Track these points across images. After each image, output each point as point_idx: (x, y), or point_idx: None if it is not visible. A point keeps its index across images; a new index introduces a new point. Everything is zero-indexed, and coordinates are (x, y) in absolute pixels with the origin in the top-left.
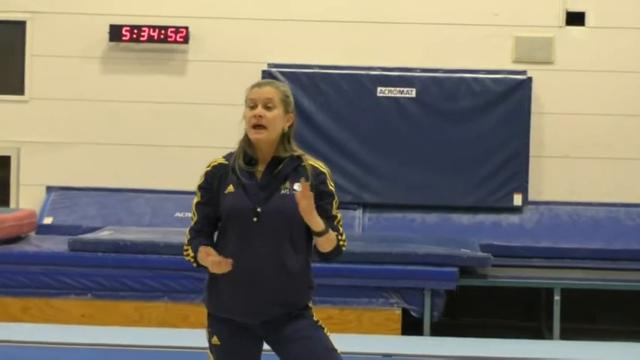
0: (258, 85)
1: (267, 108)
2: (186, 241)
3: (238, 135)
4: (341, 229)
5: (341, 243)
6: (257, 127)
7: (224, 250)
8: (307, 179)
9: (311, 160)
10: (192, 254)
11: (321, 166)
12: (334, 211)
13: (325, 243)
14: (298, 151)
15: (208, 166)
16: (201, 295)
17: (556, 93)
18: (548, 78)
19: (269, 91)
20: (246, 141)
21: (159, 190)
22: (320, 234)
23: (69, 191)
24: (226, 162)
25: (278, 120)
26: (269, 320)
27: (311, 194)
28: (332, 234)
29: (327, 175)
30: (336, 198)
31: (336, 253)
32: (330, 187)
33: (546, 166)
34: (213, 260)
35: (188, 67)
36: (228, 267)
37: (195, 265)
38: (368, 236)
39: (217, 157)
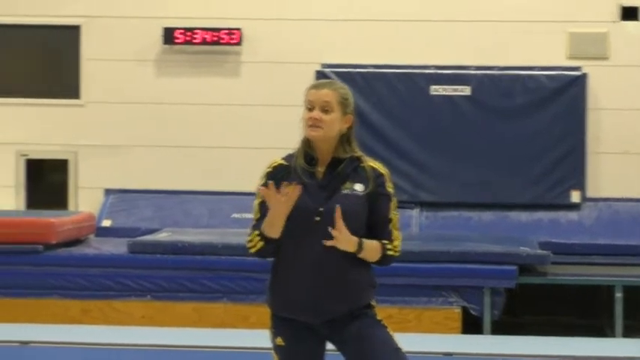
0: (315, 86)
1: (325, 111)
2: (248, 237)
3: (293, 135)
4: (395, 233)
5: (390, 252)
6: (312, 126)
7: (285, 249)
8: (367, 180)
9: (370, 162)
10: (257, 237)
11: (380, 167)
12: (391, 214)
13: (368, 257)
14: (358, 152)
15: (269, 167)
16: (260, 295)
17: (612, 89)
18: (603, 74)
19: (326, 94)
20: (306, 142)
21: (215, 192)
22: (355, 254)
23: (127, 194)
24: (286, 163)
25: (335, 122)
26: (332, 319)
27: (342, 228)
28: (371, 247)
29: (386, 177)
30: (394, 200)
31: (386, 261)
32: (389, 189)
33: (604, 163)
34: (276, 197)
35: (242, 69)
36: (296, 192)
37: (262, 243)
38: (425, 235)
39: (276, 158)
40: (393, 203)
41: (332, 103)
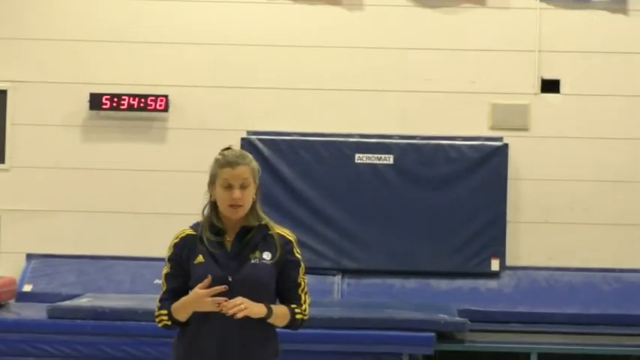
0: (229, 164)
1: (243, 187)
2: (157, 310)
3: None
4: (303, 297)
5: (298, 316)
6: (235, 206)
7: (195, 318)
8: (275, 248)
9: (277, 229)
10: (165, 317)
11: (287, 234)
12: (300, 279)
13: (277, 322)
14: (265, 219)
15: (176, 238)
16: None
17: (532, 159)
18: (524, 144)
19: (244, 171)
20: (214, 212)
21: (138, 257)
22: (265, 319)
23: (49, 259)
24: (194, 232)
25: (251, 196)
26: None
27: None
28: (280, 312)
29: (294, 244)
30: (302, 265)
31: (294, 325)
32: (297, 255)
33: (524, 232)
34: (199, 294)
35: (168, 135)
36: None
37: (169, 324)
38: (346, 302)
39: (184, 227)
40: (302, 268)
41: (249, 178)
